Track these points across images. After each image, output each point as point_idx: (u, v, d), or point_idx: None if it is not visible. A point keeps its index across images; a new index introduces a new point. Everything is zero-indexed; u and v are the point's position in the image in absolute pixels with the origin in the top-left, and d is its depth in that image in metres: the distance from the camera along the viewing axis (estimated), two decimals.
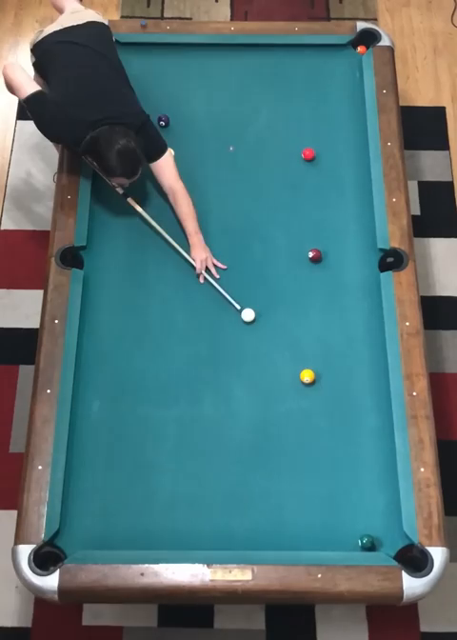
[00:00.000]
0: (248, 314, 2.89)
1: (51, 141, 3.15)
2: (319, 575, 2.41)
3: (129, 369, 2.83)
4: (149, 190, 3.16)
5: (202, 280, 2.98)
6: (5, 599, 2.92)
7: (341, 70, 3.43)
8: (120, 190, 3.03)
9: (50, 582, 2.40)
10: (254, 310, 2.90)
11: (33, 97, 2.94)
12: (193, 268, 2.98)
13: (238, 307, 2.90)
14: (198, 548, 2.51)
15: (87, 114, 2.89)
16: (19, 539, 2.48)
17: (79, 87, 2.96)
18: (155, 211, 3.08)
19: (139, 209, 3.05)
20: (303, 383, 2.77)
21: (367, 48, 3.44)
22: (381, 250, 3.00)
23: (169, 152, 3.04)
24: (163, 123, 3.28)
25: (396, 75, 3.40)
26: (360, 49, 3.45)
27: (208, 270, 2.97)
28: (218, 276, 2.98)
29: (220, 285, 2.95)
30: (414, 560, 2.47)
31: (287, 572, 2.43)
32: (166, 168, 3.03)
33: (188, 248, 3.01)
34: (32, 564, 2.42)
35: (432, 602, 2.81)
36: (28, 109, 3.01)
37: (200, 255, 2.97)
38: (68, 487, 2.59)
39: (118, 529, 2.57)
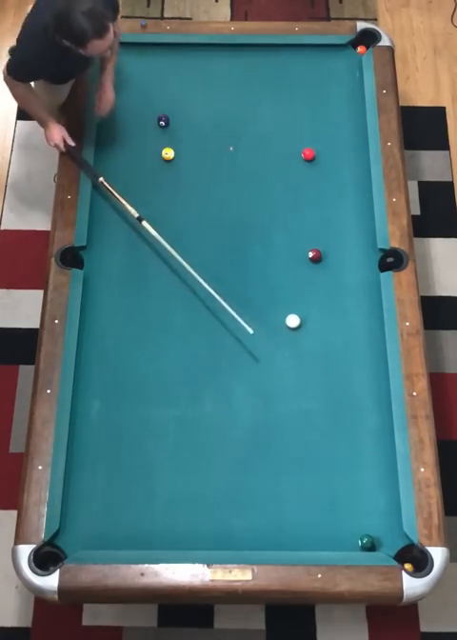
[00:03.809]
0: (292, 321, 2.89)
1: (36, 74, 3.07)
2: (319, 575, 2.42)
3: (130, 368, 2.83)
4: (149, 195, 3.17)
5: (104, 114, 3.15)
6: (5, 599, 2.92)
7: (341, 70, 3.43)
8: (135, 214, 3.02)
9: (50, 582, 2.41)
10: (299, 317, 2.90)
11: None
12: (197, 278, 2.91)
13: (248, 328, 2.84)
14: (198, 548, 2.51)
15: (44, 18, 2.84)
16: (19, 539, 2.49)
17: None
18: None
19: (149, 227, 3.03)
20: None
21: (367, 48, 3.43)
22: (381, 250, 3.00)
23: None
24: (163, 123, 3.28)
25: (396, 75, 3.40)
26: (360, 49, 3.45)
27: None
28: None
29: (221, 284, 2.95)
30: (414, 560, 2.47)
31: (287, 572, 2.43)
32: (118, 28, 3.07)
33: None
34: (32, 564, 2.43)
35: (432, 602, 2.81)
36: (12, 69, 2.97)
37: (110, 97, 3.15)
38: (68, 487, 2.59)
39: (118, 528, 2.57)
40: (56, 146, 3.14)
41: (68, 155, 3.15)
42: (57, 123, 3.13)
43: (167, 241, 2.96)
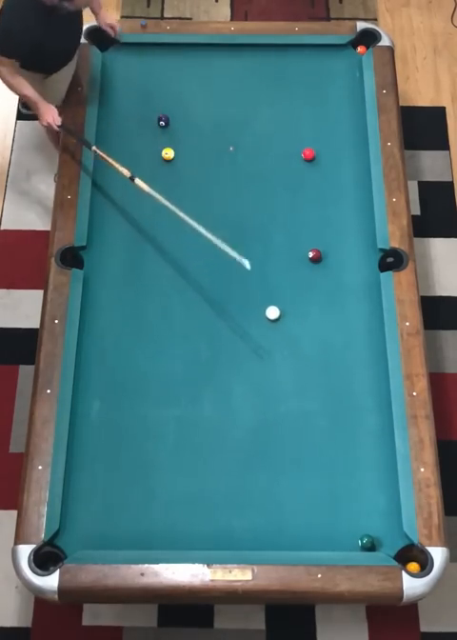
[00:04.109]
0: (272, 312, 2.91)
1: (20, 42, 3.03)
2: (319, 575, 2.42)
3: (129, 368, 2.83)
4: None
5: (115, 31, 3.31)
6: (5, 599, 2.92)
7: (341, 70, 3.43)
8: (128, 173, 3.02)
9: (50, 582, 2.41)
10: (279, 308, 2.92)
11: None
12: (202, 234, 2.90)
13: (245, 263, 2.84)
14: (198, 548, 2.51)
15: None
16: (19, 539, 2.49)
17: None
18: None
19: (142, 184, 3.03)
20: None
21: (367, 48, 3.44)
22: (381, 249, 3.00)
23: None
24: (163, 123, 3.28)
25: (396, 75, 3.41)
26: (360, 49, 3.45)
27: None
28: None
29: (221, 284, 2.95)
30: (414, 560, 2.47)
31: (287, 572, 2.43)
32: None
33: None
34: (32, 564, 2.43)
35: (432, 602, 2.81)
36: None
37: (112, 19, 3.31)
38: (68, 487, 2.59)
39: (118, 528, 2.57)
40: (49, 125, 3.17)
41: (61, 131, 3.17)
42: (47, 103, 3.16)
43: (160, 194, 2.96)
